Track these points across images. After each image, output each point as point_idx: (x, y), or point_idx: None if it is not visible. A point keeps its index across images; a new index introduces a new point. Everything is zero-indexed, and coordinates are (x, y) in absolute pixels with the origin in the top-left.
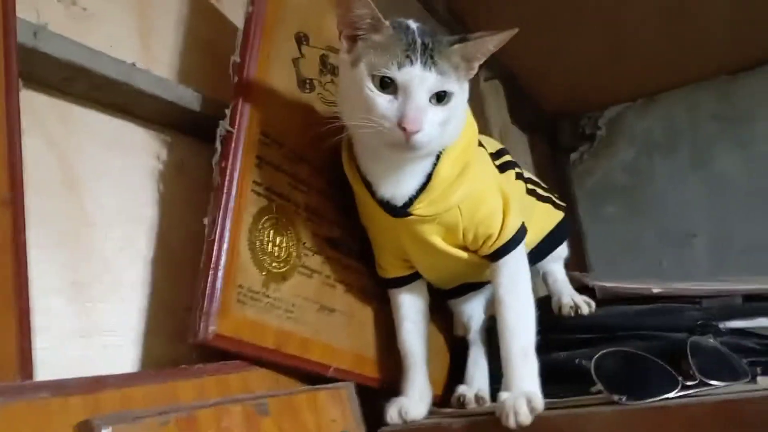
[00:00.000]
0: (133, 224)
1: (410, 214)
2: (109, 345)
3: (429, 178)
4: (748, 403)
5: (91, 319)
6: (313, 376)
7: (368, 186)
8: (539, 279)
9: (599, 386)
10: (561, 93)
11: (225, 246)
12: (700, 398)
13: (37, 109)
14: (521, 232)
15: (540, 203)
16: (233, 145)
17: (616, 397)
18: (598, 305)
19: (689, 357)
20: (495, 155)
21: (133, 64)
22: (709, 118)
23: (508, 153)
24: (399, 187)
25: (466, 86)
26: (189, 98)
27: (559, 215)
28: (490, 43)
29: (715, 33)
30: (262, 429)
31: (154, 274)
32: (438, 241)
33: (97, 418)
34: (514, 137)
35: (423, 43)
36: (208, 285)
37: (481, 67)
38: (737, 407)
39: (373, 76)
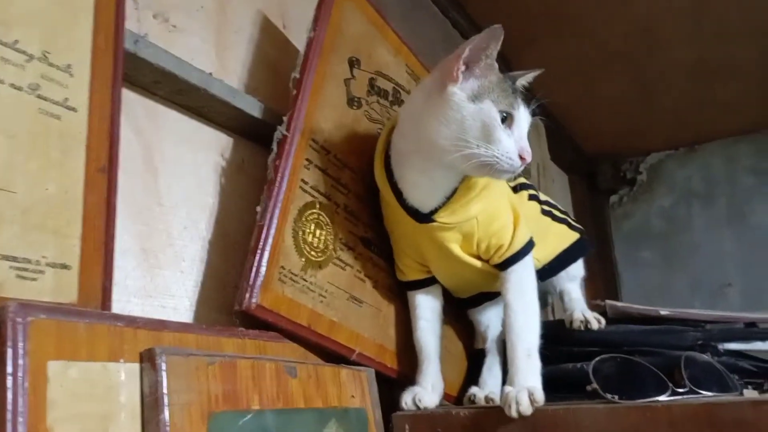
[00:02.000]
0: (197, 209)
1: (434, 221)
2: (167, 306)
3: (454, 192)
4: (726, 407)
5: (153, 282)
6: (338, 358)
7: (398, 193)
8: (557, 298)
9: (594, 385)
10: (601, 136)
11: (272, 231)
12: (684, 401)
13: (130, 105)
14: (529, 245)
15: (555, 224)
16: (287, 147)
17: (609, 396)
18: (608, 323)
19: (683, 368)
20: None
21: (210, 74)
22: (747, 171)
23: (522, 176)
24: (428, 197)
25: None
26: (253, 106)
27: (574, 236)
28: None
29: (747, 90)
30: (289, 387)
31: (210, 253)
32: (456, 249)
33: (158, 348)
34: (553, 176)
35: (514, 87)
36: (255, 262)
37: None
38: (715, 410)
39: (499, 112)
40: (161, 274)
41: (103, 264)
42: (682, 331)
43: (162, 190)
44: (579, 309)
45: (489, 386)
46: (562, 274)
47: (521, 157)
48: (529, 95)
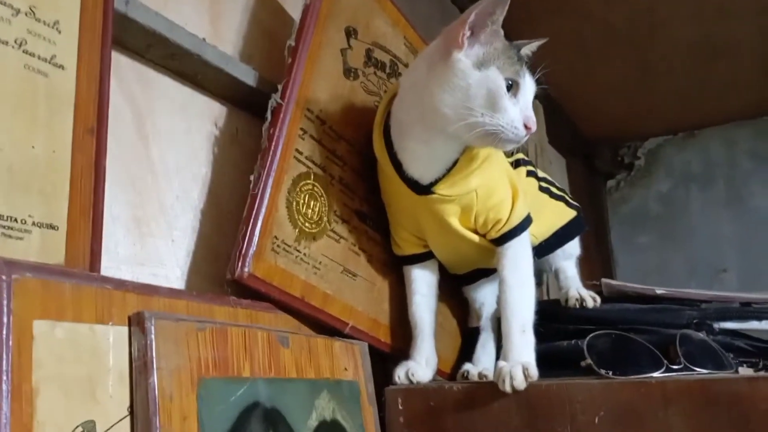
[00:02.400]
0: (190, 178)
1: (433, 193)
2: (158, 275)
3: (454, 163)
4: (721, 383)
5: (144, 250)
6: (331, 331)
7: (397, 164)
8: (552, 276)
9: (588, 360)
10: (600, 119)
11: (266, 200)
12: (679, 377)
13: (121, 69)
14: (527, 221)
15: (553, 201)
16: (281, 115)
17: (603, 371)
18: (604, 302)
19: (677, 345)
20: (510, 152)
21: (204, 39)
22: (746, 155)
23: (520, 152)
24: (428, 168)
25: None
26: (247, 74)
27: (571, 213)
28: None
29: (747, 74)
30: (281, 356)
31: (203, 223)
32: (454, 222)
33: (148, 312)
34: (551, 157)
35: (519, 55)
36: (248, 231)
37: None
38: (708, 385)
39: (505, 79)
40: (153, 243)
41: (92, 226)
42: (678, 309)
43: (154, 158)
44: (574, 287)
45: (483, 363)
46: (558, 252)
47: (526, 127)
48: (533, 65)
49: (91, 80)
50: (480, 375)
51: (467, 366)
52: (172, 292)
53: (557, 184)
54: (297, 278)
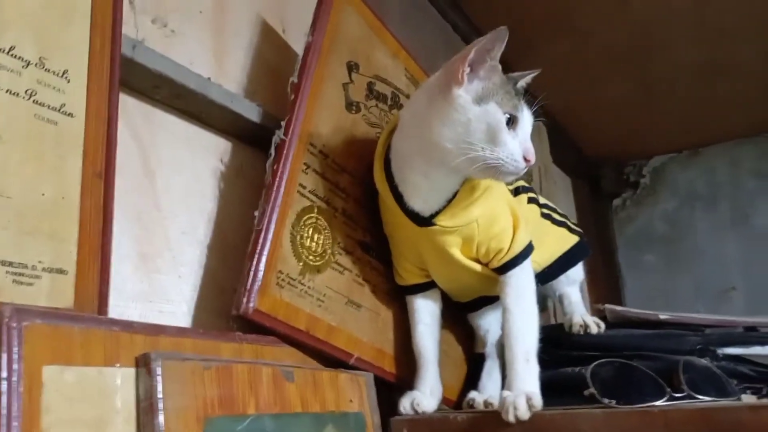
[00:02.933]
0: (196, 214)
1: (434, 225)
2: (165, 311)
3: (455, 195)
4: (723, 411)
5: (152, 287)
6: (336, 362)
7: (398, 196)
8: (557, 302)
9: (591, 389)
10: (604, 139)
11: (270, 235)
12: (682, 406)
13: (128, 109)
14: (528, 249)
15: (555, 227)
16: (285, 151)
17: (606, 401)
18: (608, 327)
19: (681, 372)
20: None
21: (209, 79)
22: (751, 174)
23: (522, 179)
24: (429, 200)
25: None
26: (251, 111)
27: (574, 239)
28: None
29: (749, 93)
30: (285, 391)
31: (209, 258)
32: (456, 253)
33: (154, 353)
34: (556, 179)
35: (517, 89)
36: (253, 267)
37: None
38: (712, 414)
39: (504, 114)
40: (159, 279)
41: (100, 269)
42: (681, 335)
43: (160, 195)
44: (578, 313)
45: (488, 390)
46: (562, 278)
47: (525, 159)
48: (530, 97)
49: (99, 125)
50: (485, 403)
51: (473, 394)
52: (178, 331)
53: (559, 210)
54: (302, 311)
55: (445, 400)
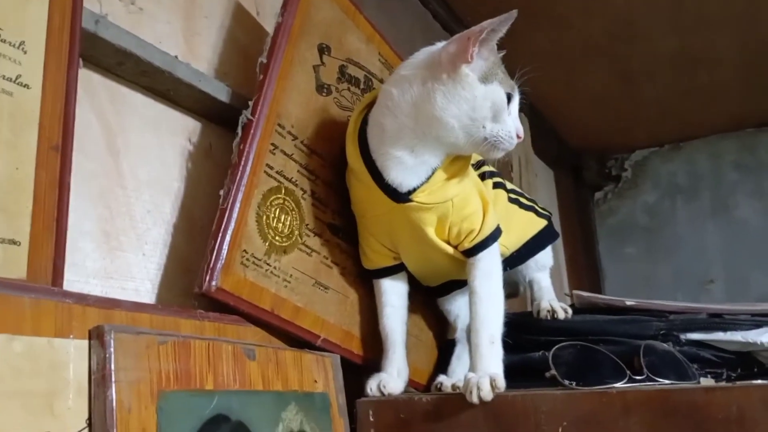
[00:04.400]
0: (162, 193)
1: (411, 201)
2: (128, 288)
3: (433, 173)
4: (679, 393)
5: (114, 264)
6: (303, 343)
7: (375, 174)
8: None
9: (552, 371)
10: (586, 130)
11: (234, 214)
12: (639, 388)
13: (93, 86)
14: (497, 232)
15: (522, 211)
16: (252, 131)
17: (566, 382)
18: (575, 313)
19: (641, 356)
20: (475, 165)
21: (176, 57)
22: (731, 167)
23: (486, 164)
24: (410, 175)
25: None
26: (220, 91)
27: (542, 223)
28: None
29: (728, 84)
30: (246, 369)
31: (175, 237)
32: (430, 231)
33: (107, 325)
34: (537, 170)
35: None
36: (216, 245)
37: None
38: (667, 396)
39: (505, 93)
40: (122, 257)
41: (55, 242)
42: (646, 321)
43: (125, 173)
44: (546, 298)
45: (457, 374)
46: (531, 263)
47: (519, 137)
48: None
49: (56, 99)
50: (453, 387)
51: (441, 378)
52: (135, 306)
53: (526, 195)
54: (267, 291)
55: (414, 384)
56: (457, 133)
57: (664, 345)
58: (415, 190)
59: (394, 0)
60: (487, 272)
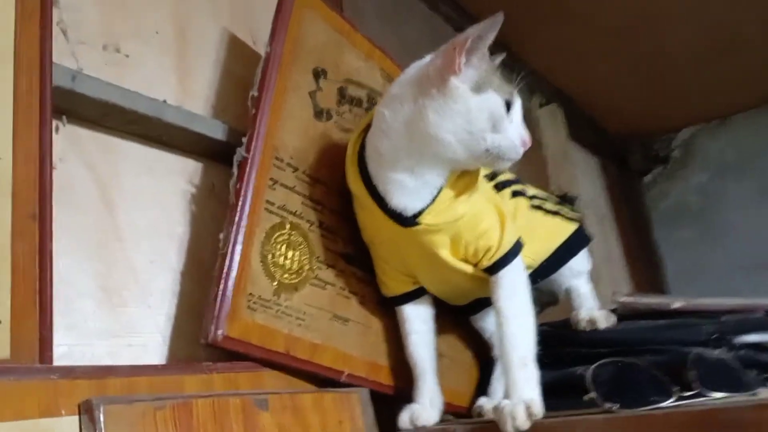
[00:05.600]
0: (165, 240)
1: (418, 224)
2: (135, 345)
3: (439, 192)
4: (728, 411)
5: (118, 322)
6: (327, 381)
7: (378, 199)
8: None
9: (592, 394)
10: (626, 116)
11: (236, 257)
12: (686, 407)
13: (80, 140)
14: (518, 246)
15: (548, 217)
16: (247, 169)
17: (607, 405)
18: (619, 320)
19: (689, 369)
20: (490, 176)
21: (164, 101)
22: None
23: (504, 172)
24: (414, 198)
25: None
26: (216, 129)
27: (571, 228)
28: None
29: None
30: (259, 422)
31: (183, 284)
32: (445, 254)
33: (96, 398)
34: (578, 162)
35: (503, 73)
36: (219, 292)
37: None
38: (718, 414)
39: (503, 101)
40: (126, 312)
41: (39, 314)
42: (695, 324)
43: (122, 225)
44: (586, 307)
45: (499, 394)
46: (565, 271)
47: (523, 146)
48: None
49: (29, 165)
50: (495, 409)
51: (481, 401)
52: (131, 370)
53: (552, 199)
54: (279, 332)
55: (454, 408)
56: (455, 149)
57: (715, 352)
58: (421, 212)
59: (398, 10)
60: (512, 289)
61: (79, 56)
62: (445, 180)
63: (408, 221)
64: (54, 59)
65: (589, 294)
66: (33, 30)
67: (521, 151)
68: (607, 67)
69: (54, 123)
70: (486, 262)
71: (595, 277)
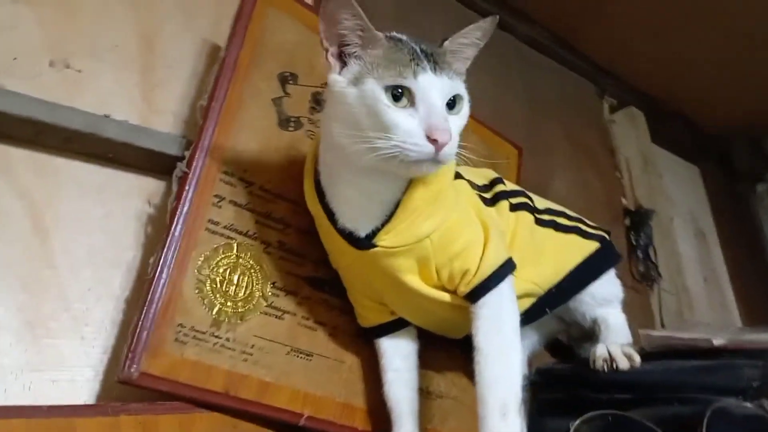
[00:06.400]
0: (108, 266)
1: (375, 246)
2: (60, 380)
3: (396, 206)
4: None
5: (41, 355)
6: (287, 426)
7: (331, 216)
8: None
9: None
10: (726, 111)
11: (162, 284)
12: None
13: (10, 163)
14: (506, 268)
15: (560, 234)
16: (186, 186)
17: None
18: (646, 359)
19: (706, 426)
20: (486, 187)
21: (106, 116)
22: None
23: (502, 183)
24: (364, 215)
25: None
26: (169, 143)
27: (591, 246)
28: (474, 34)
29: None
30: None
31: (126, 313)
32: (412, 280)
33: None
34: (668, 167)
35: (422, 50)
36: (140, 323)
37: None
38: None
39: (386, 89)
40: (52, 345)
41: None
42: (735, 367)
43: (55, 252)
44: (609, 342)
45: None
46: (586, 298)
47: (432, 139)
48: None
49: None
50: None
51: None
52: (5, 412)
53: (569, 213)
54: (217, 369)
55: None
56: (357, 154)
57: (746, 406)
58: (377, 232)
59: (421, 9)
60: (494, 321)
61: (13, 74)
62: (401, 192)
63: (362, 243)
64: None
65: (619, 326)
66: None
67: (428, 148)
68: (697, 55)
69: None
70: (464, 288)
71: (687, 301)
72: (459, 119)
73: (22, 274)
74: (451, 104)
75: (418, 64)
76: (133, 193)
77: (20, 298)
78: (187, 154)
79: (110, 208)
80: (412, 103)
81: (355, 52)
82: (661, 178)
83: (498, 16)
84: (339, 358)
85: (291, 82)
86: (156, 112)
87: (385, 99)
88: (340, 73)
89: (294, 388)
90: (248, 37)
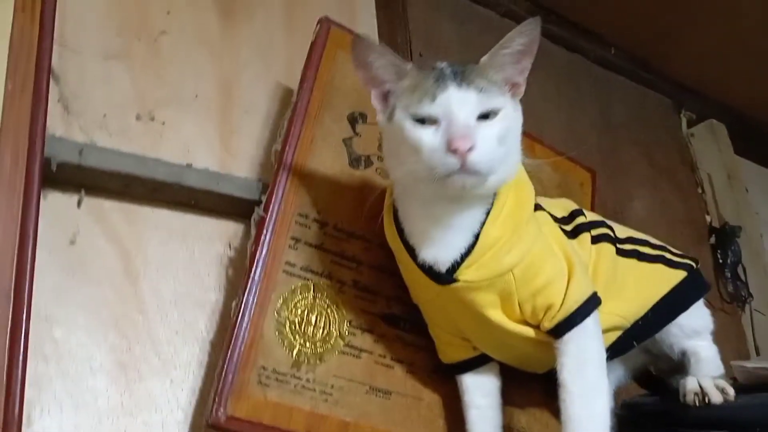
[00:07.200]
0: (194, 308)
1: (456, 281)
2: (152, 423)
3: (476, 238)
4: None
5: (133, 399)
6: None
7: (411, 251)
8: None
9: None
10: None
11: (245, 327)
12: None
13: (102, 213)
14: (591, 303)
15: (644, 264)
16: (264, 230)
17: None
18: (740, 392)
19: None
20: (566, 219)
21: (188, 165)
22: None
23: (583, 214)
24: (443, 248)
25: (519, 107)
26: (246, 188)
27: (677, 276)
28: (517, 41)
29: None
30: None
31: (212, 355)
32: (495, 315)
33: None
34: (758, 181)
35: (453, 71)
36: (225, 366)
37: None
38: None
39: (411, 116)
40: (143, 388)
41: (5, 397)
42: None
43: (145, 296)
44: (701, 375)
45: None
46: (674, 330)
47: (454, 150)
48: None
49: (6, 244)
50: None
51: None
52: None
53: (653, 241)
54: (299, 410)
55: None
56: (412, 184)
57: None
58: (457, 266)
59: (486, 34)
60: (580, 358)
61: (104, 129)
62: (479, 224)
63: (443, 278)
64: (61, 134)
65: (710, 359)
66: (24, 104)
67: (452, 160)
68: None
69: (76, 197)
70: (547, 324)
71: None
72: (493, 126)
73: (115, 318)
74: (486, 116)
75: (439, 86)
76: (214, 237)
77: (112, 340)
78: (263, 197)
79: (193, 252)
80: (436, 122)
81: (391, 88)
82: (746, 192)
83: (539, 17)
84: (417, 395)
85: (360, 121)
86: (234, 157)
87: (409, 124)
88: (383, 112)
89: (374, 428)
90: (318, 80)
